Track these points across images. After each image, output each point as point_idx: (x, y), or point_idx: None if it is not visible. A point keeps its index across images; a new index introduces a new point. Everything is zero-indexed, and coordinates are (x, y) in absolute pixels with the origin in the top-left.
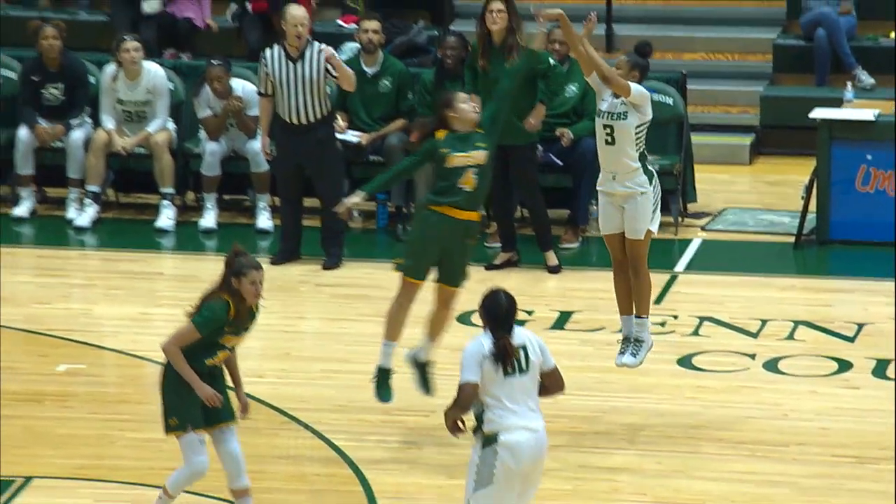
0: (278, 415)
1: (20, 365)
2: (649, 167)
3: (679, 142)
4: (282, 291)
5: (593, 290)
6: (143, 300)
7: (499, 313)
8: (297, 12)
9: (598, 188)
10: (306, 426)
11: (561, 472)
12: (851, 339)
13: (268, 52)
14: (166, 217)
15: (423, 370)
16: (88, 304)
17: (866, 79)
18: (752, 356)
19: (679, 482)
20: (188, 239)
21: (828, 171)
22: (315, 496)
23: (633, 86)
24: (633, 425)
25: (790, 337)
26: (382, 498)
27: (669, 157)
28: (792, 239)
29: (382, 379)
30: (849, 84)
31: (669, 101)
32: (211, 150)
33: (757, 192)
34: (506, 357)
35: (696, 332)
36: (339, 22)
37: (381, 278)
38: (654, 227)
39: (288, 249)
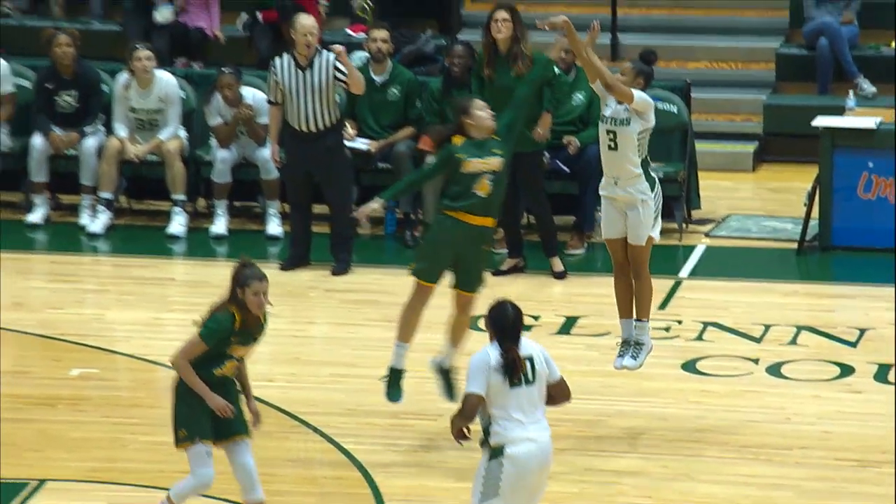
0: (288, 418)
1: (34, 369)
2: (651, 173)
3: (683, 149)
4: (291, 297)
5: (598, 295)
6: (155, 305)
7: (506, 324)
8: (306, 21)
9: (600, 192)
10: (315, 430)
11: (567, 476)
12: (853, 344)
13: (277, 60)
14: (178, 223)
15: (447, 377)
16: (101, 309)
17: (868, 87)
18: (756, 361)
19: (683, 485)
20: (199, 245)
21: (830, 178)
22: (324, 499)
23: (637, 93)
24: (638, 429)
25: (793, 342)
26: (391, 501)
27: (674, 165)
28: (795, 245)
29: (394, 379)
30: (850, 92)
31: (674, 109)
32: (222, 158)
33: (760, 199)
34: (514, 369)
35: (700, 337)
36: (349, 31)
37: (390, 284)
38: (656, 233)
39: (297, 255)
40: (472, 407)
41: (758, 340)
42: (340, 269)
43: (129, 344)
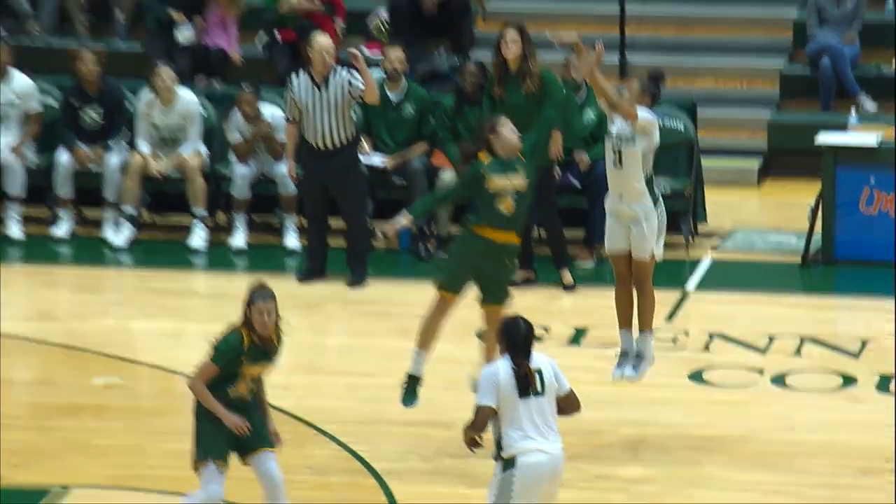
0: (305, 426)
1: (59, 378)
2: (655, 190)
3: (690, 165)
4: (308, 308)
5: (607, 307)
6: (177, 317)
7: (518, 339)
8: (322, 40)
9: (605, 207)
10: (332, 437)
11: (577, 483)
12: (856, 355)
13: (294, 78)
14: (199, 237)
15: None
16: (124, 320)
17: (869, 105)
18: (761, 371)
19: (691, 492)
20: (219, 258)
21: (833, 193)
22: None
23: (641, 112)
24: (646, 437)
25: (797, 353)
26: None
27: (681, 180)
28: (798, 258)
29: (410, 385)
30: (852, 110)
31: (680, 126)
32: (241, 173)
33: (765, 214)
34: (525, 382)
35: (706, 348)
36: (365, 50)
37: (404, 296)
38: (659, 250)
39: (314, 268)
40: (483, 418)
41: (763, 351)
42: (356, 281)
43: (151, 354)
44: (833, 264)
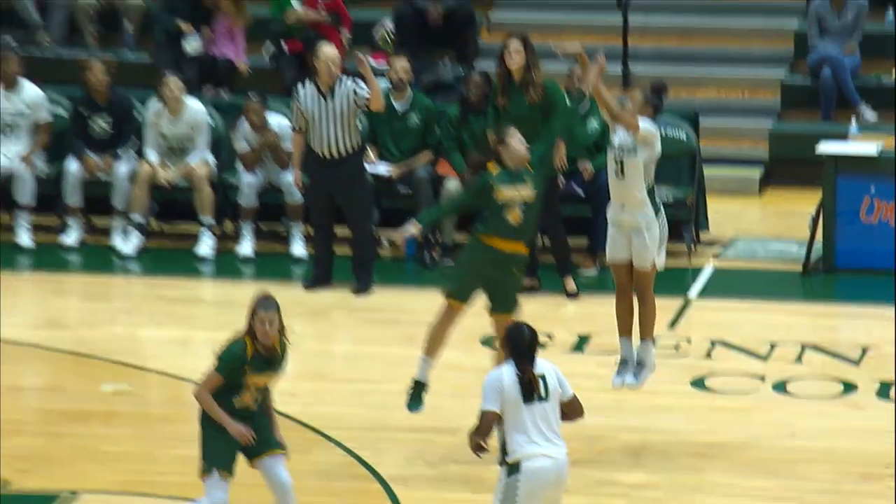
0: (311, 433)
1: (68, 385)
2: (657, 201)
3: (692, 174)
4: (314, 315)
5: (610, 314)
6: (185, 324)
7: (522, 345)
8: (328, 51)
9: (607, 216)
10: (338, 443)
11: (580, 489)
12: (856, 362)
13: (300, 88)
14: (206, 245)
15: None
16: (133, 327)
17: (869, 115)
18: (762, 378)
19: (692, 498)
20: (227, 266)
21: (833, 202)
22: None
23: (643, 124)
24: (649, 443)
25: (798, 360)
26: None
27: (683, 189)
28: (800, 267)
29: (416, 391)
30: (853, 120)
31: (683, 135)
32: (248, 182)
33: (766, 222)
34: (530, 388)
35: (708, 355)
36: (371, 61)
37: (410, 304)
38: (661, 260)
39: (320, 276)
40: (487, 423)
41: (764, 358)
42: (362, 289)
43: (159, 361)
44: (834, 272)
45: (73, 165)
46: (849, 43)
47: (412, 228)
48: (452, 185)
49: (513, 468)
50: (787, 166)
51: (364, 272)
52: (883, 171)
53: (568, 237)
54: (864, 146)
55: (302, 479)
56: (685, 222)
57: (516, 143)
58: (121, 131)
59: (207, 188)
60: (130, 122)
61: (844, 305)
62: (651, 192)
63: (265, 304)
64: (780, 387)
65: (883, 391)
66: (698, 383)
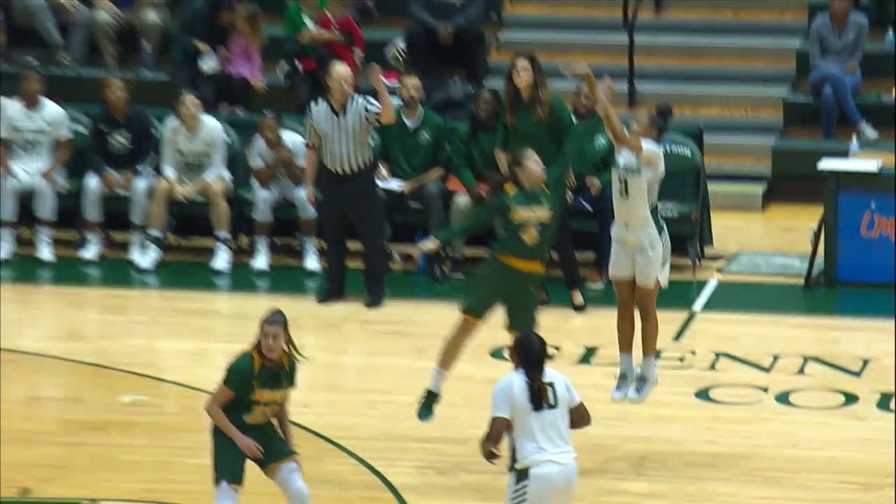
0: (324, 442)
1: (88, 396)
2: (660, 220)
3: (696, 190)
4: (327, 328)
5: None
6: (201, 336)
7: (532, 354)
8: (340, 69)
9: (611, 234)
10: (350, 453)
11: (586, 497)
12: (857, 374)
13: (313, 105)
14: (222, 259)
15: None
16: (150, 339)
17: (870, 132)
18: (765, 389)
19: None
20: (242, 279)
21: (835, 217)
22: None
23: (646, 145)
24: (654, 453)
25: (800, 372)
26: None
27: (688, 204)
28: (802, 280)
29: (428, 400)
30: (854, 137)
31: (687, 152)
32: (263, 198)
33: (769, 237)
34: (539, 395)
35: (712, 367)
36: (382, 79)
37: (420, 316)
38: (664, 278)
39: (333, 289)
40: (498, 430)
41: (767, 370)
42: (374, 302)
43: (176, 372)
44: (835, 286)
45: (92, 182)
46: (849, 62)
47: (430, 244)
48: (462, 200)
49: (521, 474)
50: (790, 182)
51: (376, 286)
52: (883, 187)
53: (575, 251)
54: (864, 163)
55: (315, 488)
56: (690, 237)
57: (532, 164)
58: (140, 147)
59: (223, 203)
60: (149, 138)
61: (845, 319)
62: (654, 212)
63: (270, 319)
64: (783, 398)
65: (883, 403)
66: (702, 394)
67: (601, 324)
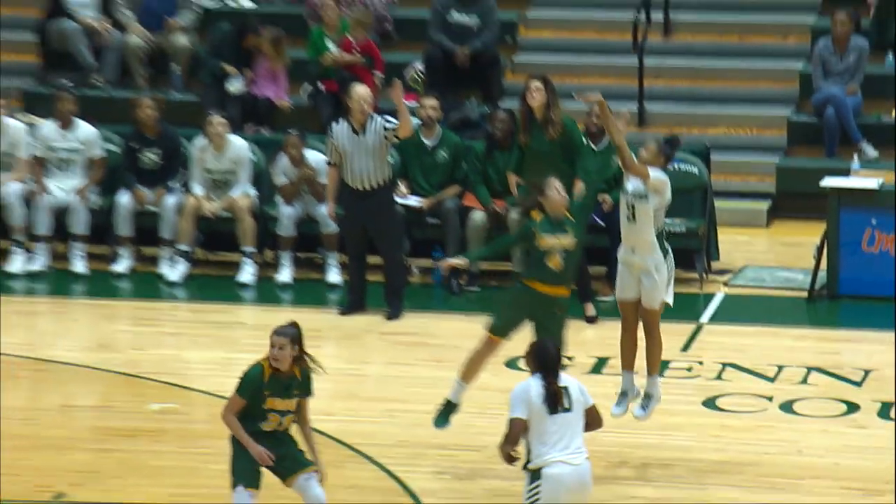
0: (346, 449)
1: (118, 404)
2: (665, 244)
3: (704, 206)
4: (349, 339)
5: None
6: (228, 347)
7: (547, 360)
8: (361, 90)
9: (618, 257)
10: (370, 459)
11: (597, 502)
12: (859, 384)
13: (334, 125)
14: (247, 273)
15: None
16: (179, 350)
17: (870, 152)
18: (770, 398)
19: None
20: (267, 292)
21: (837, 233)
22: None
23: (653, 173)
24: (663, 460)
25: (804, 381)
26: None
27: (695, 220)
28: (805, 294)
29: (446, 409)
30: (855, 156)
31: (695, 170)
32: (287, 213)
33: (773, 252)
34: (555, 399)
35: (719, 377)
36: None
37: (438, 327)
38: (669, 299)
39: (355, 302)
40: (516, 431)
41: (772, 380)
42: (393, 314)
43: (204, 381)
44: (837, 299)
45: (123, 198)
46: (851, 84)
47: (461, 261)
48: (478, 216)
49: (535, 475)
50: (793, 199)
51: (395, 298)
52: (883, 204)
53: (588, 265)
54: (865, 181)
55: (336, 493)
56: (697, 252)
57: (554, 193)
58: (170, 164)
59: (249, 219)
60: (178, 155)
61: (847, 331)
62: (660, 237)
63: (278, 330)
64: (787, 407)
65: (884, 411)
66: (709, 403)
67: (612, 335)
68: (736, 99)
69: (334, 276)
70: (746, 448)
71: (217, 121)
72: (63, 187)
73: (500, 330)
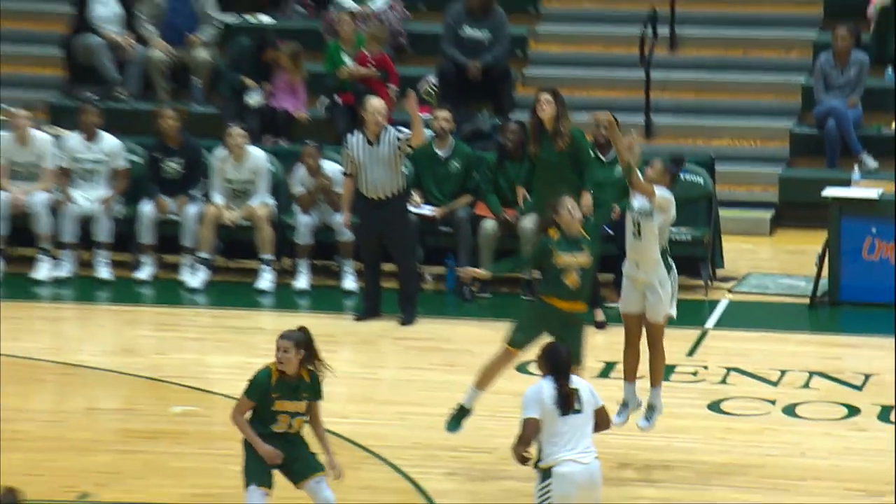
0: (360, 451)
1: (141, 407)
2: (669, 260)
3: (708, 215)
4: (364, 344)
5: None
6: (247, 351)
7: (559, 363)
8: (375, 103)
9: (623, 271)
10: (384, 461)
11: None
12: (859, 388)
13: (350, 137)
14: (266, 280)
15: None
16: (200, 354)
17: (871, 162)
18: (773, 402)
19: None
20: (285, 299)
21: (838, 241)
22: None
23: (659, 191)
24: (669, 462)
25: (806, 385)
26: None
27: (700, 229)
28: (807, 300)
29: (459, 414)
30: (856, 167)
31: (700, 180)
32: (304, 222)
33: (776, 260)
34: (567, 400)
35: (723, 381)
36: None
37: (451, 333)
38: (673, 311)
39: (370, 308)
40: (529, 431)
41: (775, 384)
42: (407, 320)
43: (224, 385)
44: (838, 306)
45: (146, 207)
46: (851, 97)
47: (483, 272)
48: (489, 225)
49: (545, 473)
50: (796, 209)
51: (409, 305)
52: (883, 213)
53: (597, 272)
54: (865, 191)
55: (351, 494)
56: (702, 259)
57: (566, 213)
58: (191, 173)
59: (267, 228)
60: (200, 165)
61: (848, 336)
62: (664, 253)
63: (283, 334)
64: (790, 410)
65: (884, 415)
66: (714, 406)
67: (620, 340)
68: (740, 111)
69: (350, 282)
70: (750, 450)
71: (237, 132)
72: (88, 197)
73: (518, 343)
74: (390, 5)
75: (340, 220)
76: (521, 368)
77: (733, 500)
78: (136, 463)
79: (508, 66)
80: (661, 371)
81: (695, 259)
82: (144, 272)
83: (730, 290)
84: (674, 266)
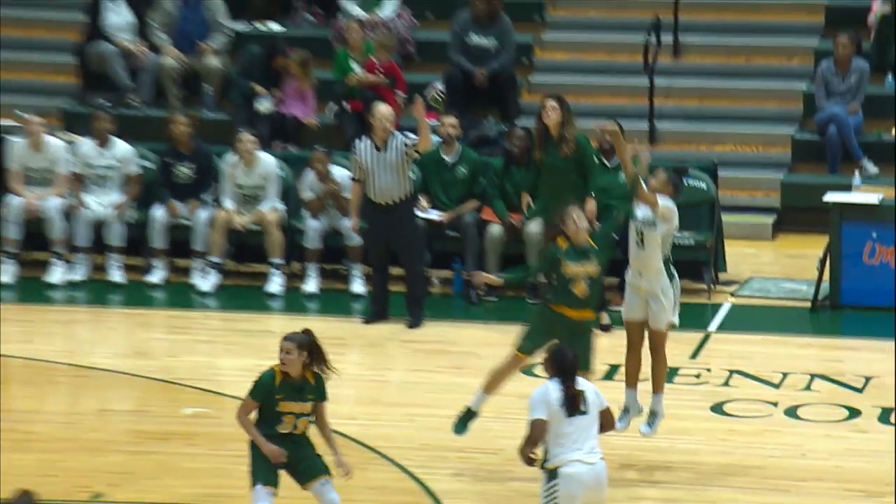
0: (368, 452)
1: (153, 409)
2: (671, 269)
3: (712, 220)
4: (372, 347)
5: None
6: (257, 354)
7: (565, 364)
8: (383, 109)
9: (626, 279)
10: (392, 462)
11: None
12: (860, 390)
13: (358, 143)
14: (276, 283)
15: None
16: (211, 357)
17: (871, 168)
18: (775, 404)
19: None
20: (294, 302)
21: (839, 246)
22: None
23: (662, 201)
24: (672, 463)
25: (807, 388)
26: None
27: (703, 234)
28: (808, 304)
29: (466, 416)
30: (856, 172)
31: (703, 185)
32: (313, 227)
33: (778, 264)
34: (573, 402)
35: (726, 383)
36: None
37: (457, 336)
38: (675, 319)
39: (377, 311)
40: (537, 432)
41: (777, 386)
42: (415, 322)
43: (234, 387)
44: (839, 309)
45: (158, 212)
46: (852, 104)
47: (495, 278)
48: (496, 229)
49: (552, 474)
50: (797, 214)
51: (416, 308)
52: (884, 218)
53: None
54: (866, 196)
55: (361, 494)
56: (705, 263)
57: (572, 223)
58: (203, 178)
59: (277, 232)
60: (211, 170)
61: (849, 339)
62: (667, 262)
63: (286, 336)
64: (792, 412)
65: (884, 417)
66: (717, 408)
67: (624, 344)
68: (742, 118)
69: (358, 286)
70: (752, 451)
71: (247, 138)
72: (101, 202)
73: (526, 349)
74: (398, 13)
75: (349, 224)
76: (527, 371)
77: (735, 501)
78: (149, 463)
79: (514, 73)
80: (663, 377)
81: (698, 263)
82: (156, 276)
83: (732, 294)
84: (676, 274)
